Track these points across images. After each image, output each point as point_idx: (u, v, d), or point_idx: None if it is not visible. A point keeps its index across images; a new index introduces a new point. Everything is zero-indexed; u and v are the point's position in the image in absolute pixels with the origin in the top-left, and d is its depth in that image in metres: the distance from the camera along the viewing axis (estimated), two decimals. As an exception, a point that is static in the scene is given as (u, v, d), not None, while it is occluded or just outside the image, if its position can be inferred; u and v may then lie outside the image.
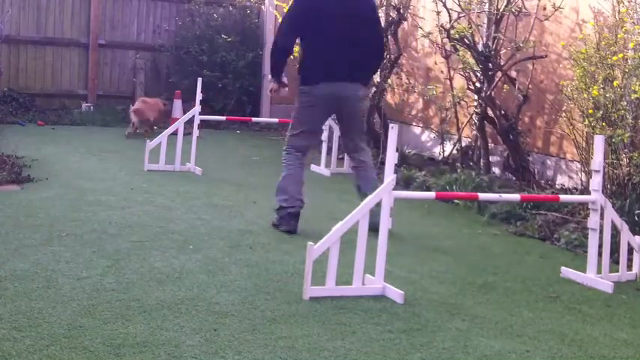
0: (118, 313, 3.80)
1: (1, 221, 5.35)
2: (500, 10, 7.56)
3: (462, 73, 8.03)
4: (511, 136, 7.62)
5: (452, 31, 7.73)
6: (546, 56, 7.58)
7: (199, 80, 7.97)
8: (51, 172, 7.24)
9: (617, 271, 5.12)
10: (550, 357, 3.71)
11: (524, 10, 7.55)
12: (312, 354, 3.49)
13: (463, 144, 8.44)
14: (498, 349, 3.73)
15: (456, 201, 7.15)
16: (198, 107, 7.83)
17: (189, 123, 7.94)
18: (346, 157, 8.47)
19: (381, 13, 9.27)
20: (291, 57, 6.22)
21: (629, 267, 5.22)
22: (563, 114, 6.88)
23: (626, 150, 6.09)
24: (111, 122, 10.92)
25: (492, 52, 7.64)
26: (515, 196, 5.69)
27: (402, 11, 8.78)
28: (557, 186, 7.49)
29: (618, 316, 4.41)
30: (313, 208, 6.56)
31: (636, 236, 5.18)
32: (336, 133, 8.63)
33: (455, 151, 8.58)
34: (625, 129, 5.98)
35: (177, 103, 10.49)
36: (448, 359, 3.58)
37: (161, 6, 12.11)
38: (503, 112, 7.69)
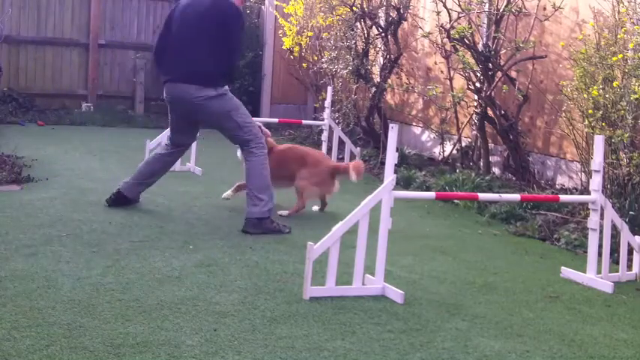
0: (118, 313, 3.80)
1: (1, 221, 5.34)
2: (501, 10, 7.56)
3: (462, 73, 8.03)
4: (511, 136, 7.62)
5: (452, 31, 7.73)
6: (546, 56, 7.58)
7: (199, 80, 7.94)
8: (51, 172, 7.24)
9: (617, 271, 5.12)
10: (550, 357, 3.71)
11: (524, 10, 7.55)
12: (312, 354, 3.49)
13: (463, 144, 8.43)
14: (498, 349, 3.73)
15: (455, 201, 7.15)
16: (198, 107, 7.82)
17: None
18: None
19: (381, 13, 9.30)
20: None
21: (629, 267, 5.22)
22: (563, 114, 6.88)
23: (626, 150, 6.09)
24: (111, 122, 10.93)
25: (492, 52, 7.64)
26: (515, 196, 5.69)
27: (402, 11, 8.78)
28: (557, 186, 7.49)
29: (618, 316, 4.41)
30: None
31: (636, 236, 5.18)
32: (337, 132, 8.64)
33: (455, 151, 8.58)
34: (625, 129, 5.98)
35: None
36: (448, 359, 3.58)
37: (161, 6, 12.11)
38: (503, 112, 7.68)
